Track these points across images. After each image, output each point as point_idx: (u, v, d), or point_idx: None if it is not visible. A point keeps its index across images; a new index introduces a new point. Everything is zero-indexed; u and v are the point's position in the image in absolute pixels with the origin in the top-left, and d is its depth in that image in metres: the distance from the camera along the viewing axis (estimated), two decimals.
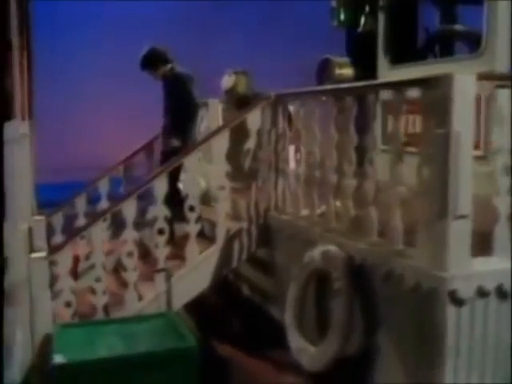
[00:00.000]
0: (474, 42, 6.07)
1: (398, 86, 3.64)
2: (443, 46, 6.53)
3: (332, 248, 4.03)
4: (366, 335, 3.79)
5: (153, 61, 6.14)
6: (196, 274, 5.06)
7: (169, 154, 5.70)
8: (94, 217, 5.06)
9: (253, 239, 5.22)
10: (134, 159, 7.01)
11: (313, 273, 4.23)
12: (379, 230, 3.84)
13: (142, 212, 5.07)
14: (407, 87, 3.59)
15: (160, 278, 4.98)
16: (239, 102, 7.14)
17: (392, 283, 3.58)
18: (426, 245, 3.34)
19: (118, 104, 11.20)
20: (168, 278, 4.98)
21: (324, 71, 5.15)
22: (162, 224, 4.97)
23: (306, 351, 4.10)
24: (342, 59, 5.51)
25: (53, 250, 4.85)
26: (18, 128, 4.63)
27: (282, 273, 5.00)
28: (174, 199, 5.31)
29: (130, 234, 4.92)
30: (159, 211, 4.96)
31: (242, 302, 5.68)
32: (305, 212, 4.77)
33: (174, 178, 5.41)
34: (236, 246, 5.17)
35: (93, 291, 4.93)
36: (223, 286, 5.62)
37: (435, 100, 3.25)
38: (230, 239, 5.15)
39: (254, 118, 5.13)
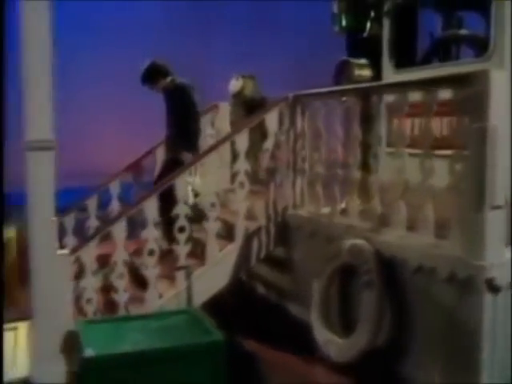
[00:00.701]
0: (478, 46, 6.27)
1: (429, 85, 3.75)
2: (448, 50, 6.71)
3: (360, 242, 4.12)
4: (396, 327, 3.88)
5: (153, 75, 6.15)
6: (215, 272, 5.12)
7: (172, 165, 5.70)
8: (117, 215, 5.09)
9: (271, 238, 5.29)
10: (143, 163, 7.04)
11: (339, 267, 4.32)
12: (407, 225, 3.94)
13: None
14: (439, 85, 3.70)
15: (180, 276, 5.03)
16: (247, 106, 7.25)
17: (424, 275, 3.67)
18: (462, 236, 3.45)
19: (118, 108, 11.21)
20: (188, 276, 5.03)
21: (342, 72, 5.27)
22: (182, 222, 5.03)
23: (334, 343, 4.17)
24: (361, 61, 5.63)
25: (76, 247, 4.88)
26: None
27: (301, 270, 5.08)
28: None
29: (151, 233, 4.97)
30: (180, 210, 5.01)
31: (257, 301, 5.73)
32: (326, 209, 4.86)
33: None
34: (254, 244, 5.24)
35: (114, 289, 4.96)
36: (236, 285, 5.66)
37: (471, 96, 3.37)
38: (249, 238, 5.22)
39: (272, 119, 5.22)
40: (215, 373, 4.15)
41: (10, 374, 3.33)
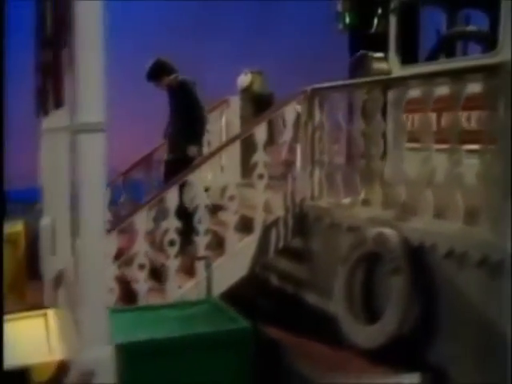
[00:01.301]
0: (485, 42, 6.40)
1: (458, 74, 3.83)
2: (454, 46, 6.84)
3: (386, 230, 4.19)
4: (424, 313, 3.95)
5: (158, 72, 6.22)
6: (234, 263, 5.18)
7: (179, 164, 5.75)
8: (137, 206, 5.13)
9: (289, 229, 5.35)
10: (153, 160, 7.09)
11: (363, 255, 4.38)
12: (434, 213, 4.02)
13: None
14: (467, 77, 3.78)
15: (200, 266, 5.08)
16: (255, 101, 7.31)
17: (454, 260, 3.74)
18: (493, 222, 3.53)
19: (127, 105, 11.21)
20: (208, 266, 5.07)
21: (360, 66, 5.34)
22: (202, 212, 5.08)
23: (361, 330, 4.24)
24: (378, 54, 5.72)
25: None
26: None
27: (320, 260, 5.14)
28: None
29: (172, 223, 5.00)
30: (200, 200, 5.06)
31: (272, 292, 5.78)
32: (346, 200, 4.93)
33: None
34: (273, 235, 5.30)
35: (134, 279, 5.00)
36: (250, 277, 5.69)
37: (501, 86, 3.45)
38: (267, 229, 5.28)
39: (290, 111, 5.28)
40: (243, 359, 4.20)
41: (43, 357, 3.36)
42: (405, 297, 3.96)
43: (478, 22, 7.09)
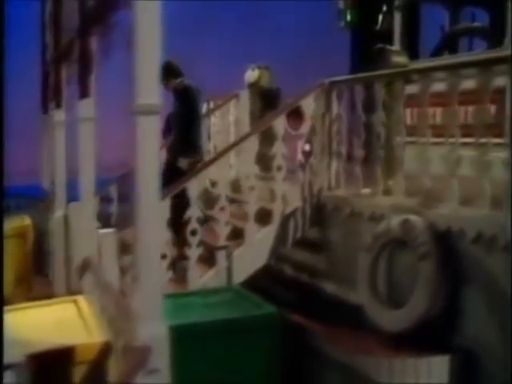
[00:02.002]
0: (490, 38, 6.57)
1: (485, 65, 3.96)
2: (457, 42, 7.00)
3: (412, 217, 4.30)
4: (452, 297, 4.06)
5: (166, 74, 6.26)
6: (254, 252, 5.26)
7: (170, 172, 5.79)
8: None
9: (306, 219, 5.45)
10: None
11: (387, 242, 4.49)
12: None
13: None
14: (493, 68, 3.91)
15: (221, 255, 5.15)
16: (263, 96, 7.41)
17: (482, 244, 3.86)
18: None
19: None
20: (229, 255, 5.15)
21: (379, 59, 5.45)
22: (223, 203, 5.16)
23: (387, 314, 4.34)
24: (396, 48, 5.84)
25: (121, 226, 4.97)
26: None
27: (339, 249, 5.24)
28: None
29: (194, 212, 5.07)
30: (222, 191, 5.14)
31: (287, 282, 5.86)
32: (365, 190, 5.03)
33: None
34: (291, 225, 5.40)
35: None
36: (265, 268, 5.76)
37: None
38: (286, 219, 5.37)
39: (308, 104, 5.38)
40: (271, 343, 4.31)
41: (80, 339, 3.42)
42: (433, 281, 4.08)
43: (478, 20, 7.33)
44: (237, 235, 5.34)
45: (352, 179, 5.20)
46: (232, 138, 7.02)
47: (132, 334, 2.89)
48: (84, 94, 4.70)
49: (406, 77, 4.67)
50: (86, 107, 4.71)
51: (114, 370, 3.35)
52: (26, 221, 7.31)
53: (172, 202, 5.01)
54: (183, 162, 5.99)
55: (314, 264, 5.59)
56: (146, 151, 2.80)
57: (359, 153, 5.11)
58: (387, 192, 4.85)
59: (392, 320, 4.29)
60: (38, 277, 7.24)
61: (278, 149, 5.31)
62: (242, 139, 5.39)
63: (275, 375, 4.30)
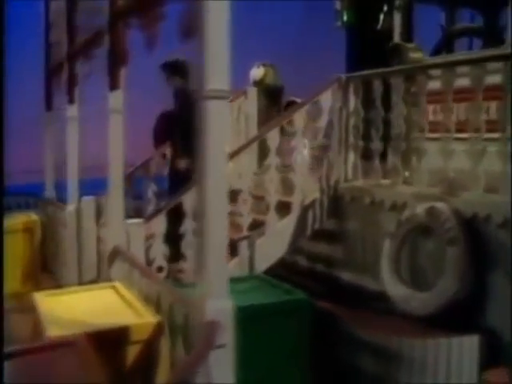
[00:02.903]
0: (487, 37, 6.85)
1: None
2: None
3: (437, 204, 4.49)
4: (478, 280, 4.26)
5: (173, 69, 6.33)
6: (275, 242, 5.40)
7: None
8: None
9: (324, 210, 5.61)
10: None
11: (413, 229, 4.67)
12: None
13: None
14: None
15: (244, 246, 5.28)
16: (268, 94, 7.56)
17: (509, 229, 4.07)
18: None
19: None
20: (251, 245, 5.28)
21: (395, 56, 5.65)
22: (245, 196, 5.30)
23: (414, 298, 4.51)
24: (411, 44, 6.05)
25: (148, 218, 5.08)
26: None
27: (358, 238, 5.40)
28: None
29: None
30: (244, 184, 5.29)
31: (303, 272, 6.00)
32: (385, 180, 5.21)
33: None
34: (310, 216, 5.55)
35: (183, 257, 5.16)
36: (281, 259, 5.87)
37: None
38: (304, 211, 5.52)
39: (326, 98, 5.55)
40: (303, 328, 4.45)
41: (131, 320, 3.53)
42: (461, 265, 4.27)
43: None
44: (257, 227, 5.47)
45: (370, 171, 5.37)
46: (243, 134, 7.16)
47: (197, 313, 2.99)
48: (114, 86, 4.78)
49: (427, 72, 4.86)
50: (116, 99, 4.80)
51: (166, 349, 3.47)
52: (33, 216, 7.34)
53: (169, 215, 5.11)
54: (181, 164, 6.07)
55: (330, 254, 5.75)
56: (216, 135, 2.90)
57: (378, 145, 5.28)
58: (407, 182, 5.03)
59: (420, 304, 4.46)
60: (43, 273, 7.28)
61: (299, 142, 5.47)
62: (263, 132, 5.52)
63: (305, 359, 4.43)
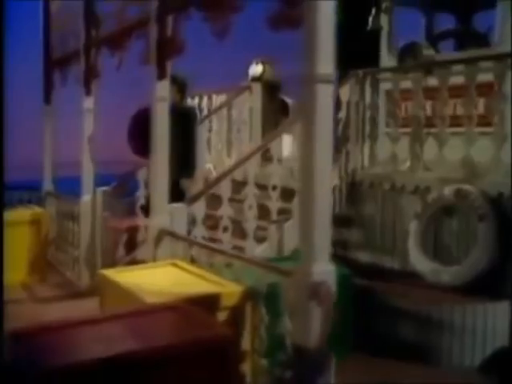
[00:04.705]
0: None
1: None
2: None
3: (464, 186, 4.97)
4: (505, 252, 4.75)
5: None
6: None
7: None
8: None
9: (343, 195, 6.00)
10: None
11: (439, 209, 5.13)
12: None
13: None
14: None
15: (273, 229, 5.60)
16: (267, 89, 7.89)
17: None
18: None
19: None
20: (279, 228, 5.61)
21: (410, 53, 6.11)
22: (275, 181, 5.63)
23: (445, 271, 4.96)
24: (425, 43, 6.54)
25: (190, 201, 5.32)
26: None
27: (377, 222, 5.82)
28: None
29: (250, 190, 5.50)
30: (274, 169, 5.61)
31: None
32: (405, 166, 5.65)
33: None
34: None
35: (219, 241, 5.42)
36: None
37: None
38: None
39: (345, 92, 5.95)
40: (347, 300, 4.77)
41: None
42: (490, 238, 4.75)
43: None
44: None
45: (388, 158, 5.80)
46: (248, 128, 7.47)
47: (297, 278, 3.28)
48: (162, 75, 5.00)
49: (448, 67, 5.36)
50: (162, 88, 5.02)
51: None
52: (40, 209, 7.40)
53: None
54: (185, 184, 6.30)
55: (347, 237, 6.13)
56: (323, 116, 3.18)
57: (396, 133, 5.73)
58: (427, 168, 5.50)
59: (451, 276, 4.91)
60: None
61: None
62: (289, 123, 5.86)
63: (350, 331, 4.75)
